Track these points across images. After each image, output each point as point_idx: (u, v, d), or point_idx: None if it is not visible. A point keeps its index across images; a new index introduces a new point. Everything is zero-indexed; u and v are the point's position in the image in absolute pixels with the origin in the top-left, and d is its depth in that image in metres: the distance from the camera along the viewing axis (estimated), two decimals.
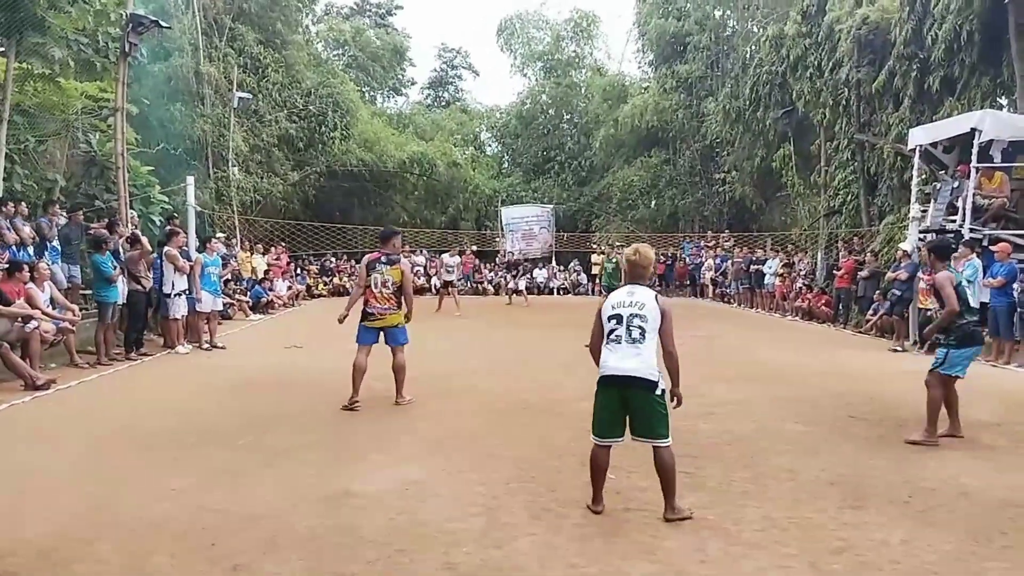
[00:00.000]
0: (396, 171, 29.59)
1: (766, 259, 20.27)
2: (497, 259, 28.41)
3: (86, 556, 3.71)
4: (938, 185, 13.22)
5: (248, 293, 17.40)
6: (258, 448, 5.74)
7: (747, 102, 23.07)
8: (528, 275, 26.21)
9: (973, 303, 10.74)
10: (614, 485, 4.67)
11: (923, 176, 13.87)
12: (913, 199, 13.68)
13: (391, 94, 39.73)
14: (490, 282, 26.66)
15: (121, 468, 5.20)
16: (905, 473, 5.18)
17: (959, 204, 12.11)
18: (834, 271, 16.97)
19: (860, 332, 14.59)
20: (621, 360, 4.21)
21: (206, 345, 11.57)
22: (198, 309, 11.55)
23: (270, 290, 18.61)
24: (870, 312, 14.19)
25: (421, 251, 26.73)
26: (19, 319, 8.36)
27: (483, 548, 3.83)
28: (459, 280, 22.11)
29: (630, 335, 4.21)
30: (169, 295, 10.93)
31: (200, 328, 11.71)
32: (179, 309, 11.10)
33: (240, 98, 21.51)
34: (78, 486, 4.79)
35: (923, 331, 7.10)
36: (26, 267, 9.01)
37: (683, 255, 26.47)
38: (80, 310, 10.37)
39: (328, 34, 33.48)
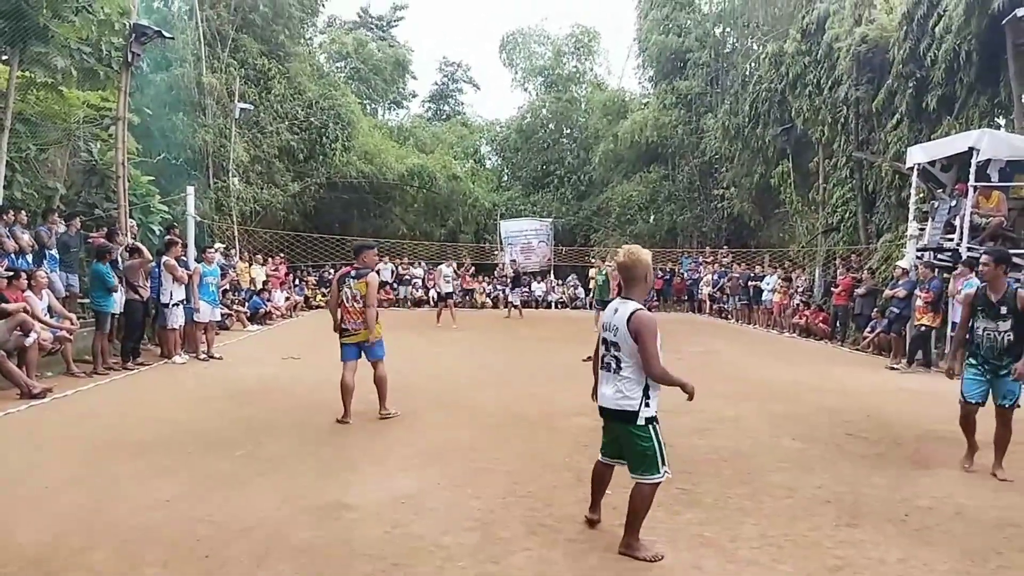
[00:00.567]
0: (396, 183, 29.67)
1: (764, 275, 20.30)
2: (496, 272, 28.43)
3: (79, 565, 3.69)
4: (936, 204, 13.28)
5: (246, 304, 17.38)
6: (253, 458, 5.72)
7: (746, 119, 23.20)
8: (526, 288, 26.22)
9: None
10: (611, 501, 4.65)
11: (921, 194, 13.92)
12: (911, 217, 13.73)
13: (392, 106, 39.97)
14: (489, 295, 26.65)
15: (115, 477, 5.18)
16: (902, 491, 5.17)
17: (957, 223, 12.17)
18: (832, 288, 16.99)
19: (857, 349, 14.59)
20: (602, 387, 4.10)
21: (203, 355, 11.54)
22: (196, 319, 11.53)
23: (268, 301, 18.59)
24: (867, 329, 14.21)
25: (419, 263, 26.75)
26: (18, 328, 8.34)
27: (479, 563, 3.81)
28: (457, 293, 22.14)
29: (607, 365, 4.03)
30: (167, 305, 10.92)
31: (197, 338, 11.69)
32: (177, 319, 11.09)
33: (242, 109, 21.59)
34: (72, 495, 4.77)
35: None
36: (24, 275, 9.01)
37: (681, 270, 26.49)
38: (77, 319, 10.36)
39: (330, 46, 33.68)
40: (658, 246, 28.47)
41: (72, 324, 9.75)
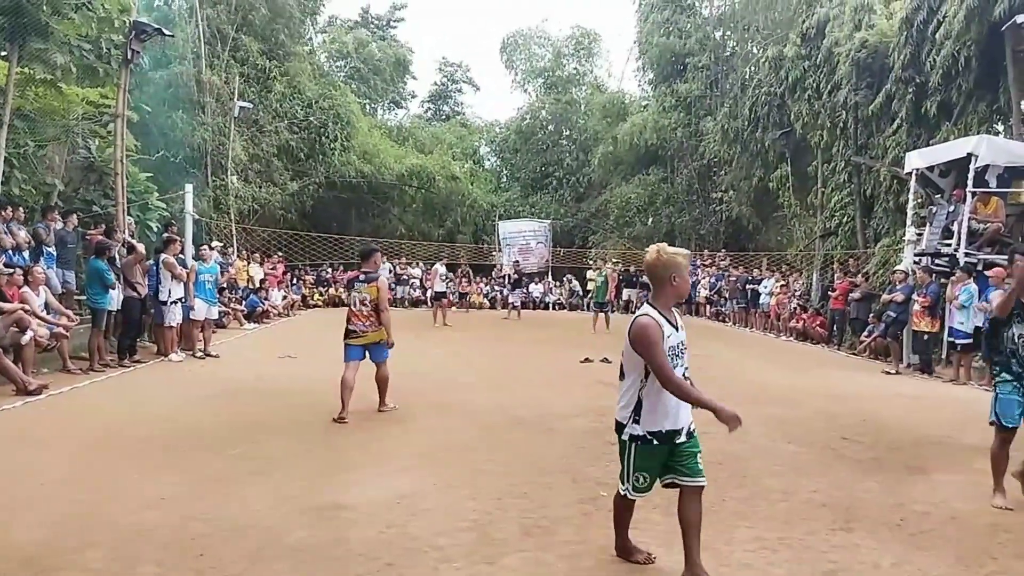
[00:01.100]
0: (395, 183, 29.69)
1: (762, 278, 20.32)
2: (494, 273, 28.43)
3: (73, 564, 3.68)
4: (934, 209, 13.31)
5: (243, 302, 17.36)
6: (248, 457, 5.71)
7: (745, 122, 23.24)
8: (524, 289, 26.22)
9: (968, 327, 10.88)
10: (606, 504, 4.65)
11: (919, 200, 13.96)
12: (909, 222, 13.76)
13: (391, 106, 39.97)
14: (487, 296, 26.66)
15: (110, 475, 5.17)
16: (897, 496, 5.17)
17: (955, 228, 12.20)
18: (829, 292, 17.01)
19: (854, 354, 14.61)
20: None
21: (199, 353, 11.53)
22: (192, 317, 11.52)
23: (265, 300, 18.58)
24: (864, 334, 14.22)
25: (417, 263, 26.74)
26: (15, 325, 8.33)
27: (473, 564, 3.81)
28: (452, 293, 22.16)
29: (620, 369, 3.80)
30: (165, 302, 10.91)
31: (195, 336, 11.68)
32: (174, 317, 11.09)
33: (241, 107, 21.58)
34: (67, 492, 4.76)
35: None
36: (19, 270, 9.00)
37: None
38: (74, 316, 10.34)
39: (331, 45, 33.67)
40: None
41: (69, 321, 9.74)
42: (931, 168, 13.33)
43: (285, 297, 20.51)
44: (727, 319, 22.12)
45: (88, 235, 11.92)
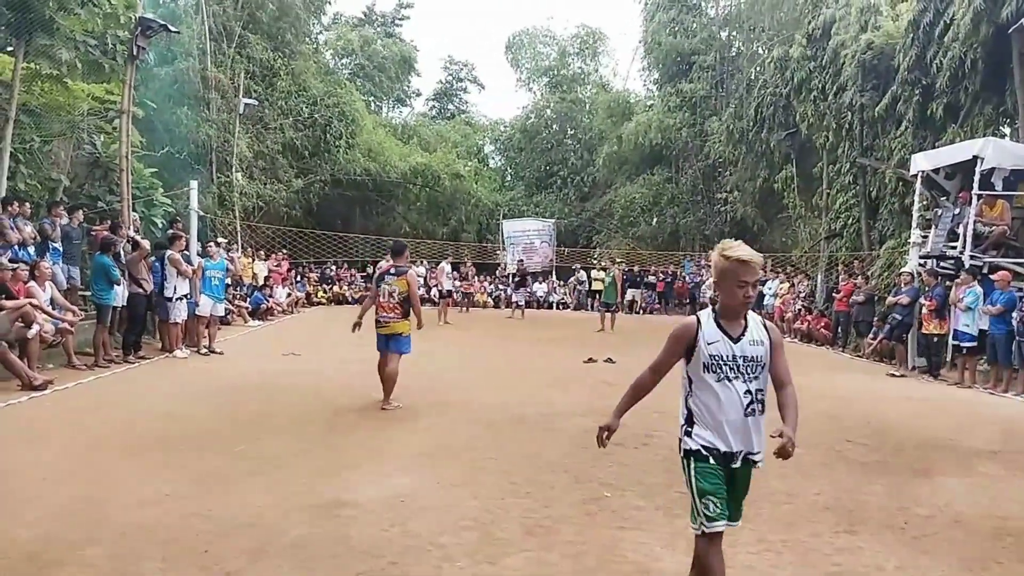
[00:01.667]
0: (399, 181, 29.68)
1: (766, 280, 20.26)
2: (497, 272, 28.43)
3: (75, 559, 3.68)
4: (939, 211, 13.26)
5: (248, 299, 17.39)
6: (251, 455, 5.72)
7: (751, 123, 23.20)
8: (528, 288, 26.21)
9: (973, 330, 10.86)
10: (609, 504, 4.65)
11: (924, 202, 13.90)
12: (914, 224, 13.72)
13: (396, 104, 39.93)
14: (491, 295, 26.66)
15: (114, 471, 5.18)
16: (901, 499, 5.16)
17: (960, 231, 12.15)
18: (833, 294, 16.97)
19: (859, 356, 14.57)
20: None
21: (204, 350, 11.55)
22: (197, 313, 11.54)
23: (269, 297, 18.61)
24: (869, 336, 14.18)
25: (421, 262, 26.74)
26: (20, 320, 8.35)
27: (476, 563, 3.80)
28: (457, 291, 22.15)
29: None
30: (170, 299, 10.92)
31: (200, 332, 11.70)
32: (180, 313, 11.10)
33: (246, 104, 21.59)
34: (70, 488, 4.77)
35: None
36: (23, 264, 9.02)
37: (683, 273, 26.50)
38: (79, 311, 10.36)
39: (336, 43, 33.67)
40: (660, 249, 28.57)
41: (74, 316, 9.75)
42: (937, 170, 13.28)
43: (289, 294, 20.54)
44: None
45: (93, 231, 11.94)
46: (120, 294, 10.31)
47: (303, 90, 25.70)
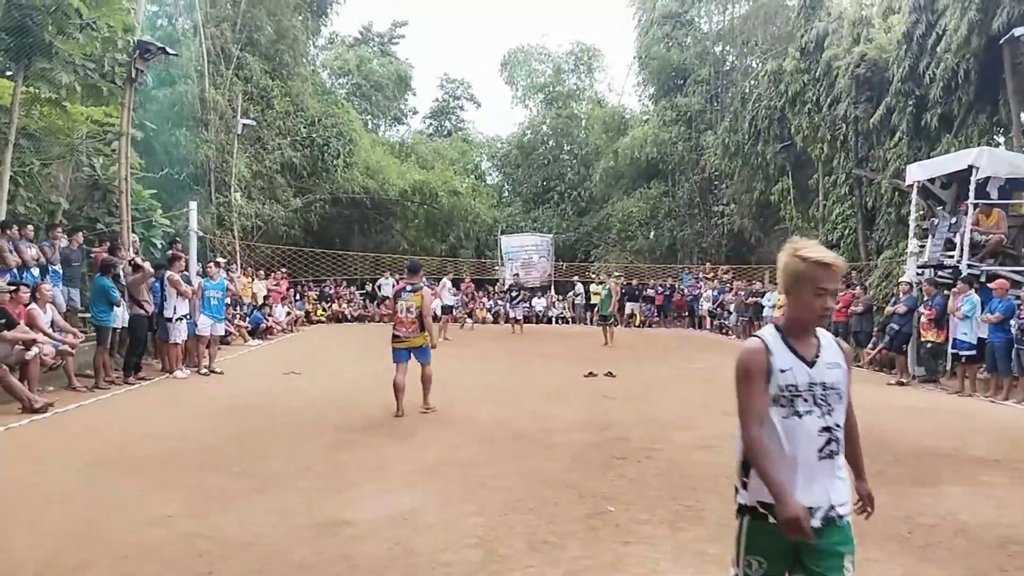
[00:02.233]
0: (397, 199, 29.80)
1: (765, 291, 20.29)
2: (496, 287, 28.46)
3: None
4: (936, 221, 13.31)
5: (247, 318, 17.39)
6: (253, 474, 5.70)
7: (746, 136, 23.34)
8: (526, 304, 26.22)
9: (971, 339, 10.87)
10: (613, 518, 4.64)
11: (921, 212, 13.97)
12: (911, 234, 13.77)
13: (393, 123, 40.14)
14: (490, 310, 26.66)
15: (115, 492, 5.16)
16: (904, 508, 5.15)
17: (957, 240, 12.20)
18: None
19: (858, 366, 14.55)
20: None
21: (204, 370, 11.54)
22: (197, 333, 11.54)
23: (269, 316, 18.60)
24: (868, 346, 14.18)
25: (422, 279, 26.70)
26: (20, 343, 8.35)
27: None
28: (458, 308, 22.17)
29: None
30: (170, 319, 10.92)
31: (200, 352, 11.69)
32: (180, 334, 11.09)
33: (245, 125, 21.70)
34: (71, 510, 4.75)
35: None
36: (24, 287, 9.03)
37: (681, 286, 26.55)
38: (79, 333, 10.36)
39: (333, 63, 33.90)
40: (658, 262, 28.63)
41: (75, 338, 9.75)
42: (932, 180, 13.35)
43: (289, 313, 20.54)
44: (730, 332, 22.08)
45: (93, 253, 11.96)
46: (120, 316, 10.32)
47: (301, 110, 25.85)
